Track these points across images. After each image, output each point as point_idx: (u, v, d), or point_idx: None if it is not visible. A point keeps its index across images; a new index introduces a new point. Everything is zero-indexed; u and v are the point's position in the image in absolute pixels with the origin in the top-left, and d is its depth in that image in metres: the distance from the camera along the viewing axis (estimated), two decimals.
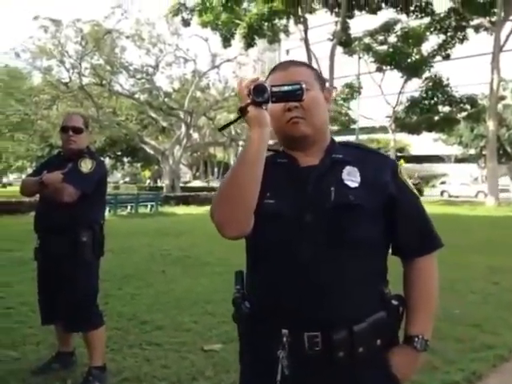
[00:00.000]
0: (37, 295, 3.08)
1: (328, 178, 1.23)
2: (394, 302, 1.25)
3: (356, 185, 1.22)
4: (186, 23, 23.78)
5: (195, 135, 32.02)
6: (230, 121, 1.38)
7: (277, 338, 1.18)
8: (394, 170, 1.30)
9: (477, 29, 23.71)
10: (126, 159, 45.38)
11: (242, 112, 1.15)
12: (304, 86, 1.15)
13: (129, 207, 17.81)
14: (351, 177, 1.23)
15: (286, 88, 1.16)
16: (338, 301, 1.17)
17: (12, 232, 10.11)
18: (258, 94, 1.13)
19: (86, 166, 2.85)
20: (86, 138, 3.01)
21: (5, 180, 47.81)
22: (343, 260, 1.18)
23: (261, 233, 1.22)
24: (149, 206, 18.78)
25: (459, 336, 3.79)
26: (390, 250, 1.34)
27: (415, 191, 1.33)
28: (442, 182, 35.28)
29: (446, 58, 26.03)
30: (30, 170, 40.02)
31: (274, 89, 1.15)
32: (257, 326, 1.24)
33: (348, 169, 1.25)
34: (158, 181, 45.05)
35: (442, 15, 23.66)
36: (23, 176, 47.85)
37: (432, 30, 24.48)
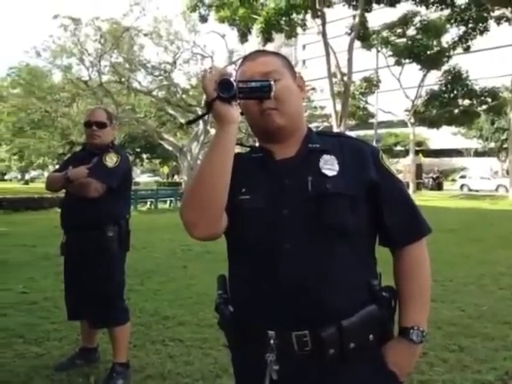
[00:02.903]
0: (63, 291, 3.07)
1: (304, 169, 1.19)
2: (385, 294, 1.19)
3: (334, 173, 1.18)
4: (204, 19, 23.70)
5: (212, 131, 32.02)
6: (197, 115, 1.32)
7: (264, 341, 1.12)
8: (375, 156, 1.25)
9: (498, 20, 23.12)
10: (145, 155, 45.71)
11: (209, 108, 1.10)
12: (273, 83, 1.10)
13: (148, 203, 17.97)
14: (329, 165, 1.19)
15: (253, 84, 1.11)
16: (325, 295, 1.12)
17: (36, 228, 10.28)
18: (224, 89, 1.07)
19: (111, 160, 2.83)
20: (110, 133, 2.99)
21: (27, 177, 48.65)
22: (326, 252, 1.14)
23: (239, 230, 1.18)
24: (168, 202, 18.92)
25: (490, 333, 3.68)
26: (378, 241, 1.27)
27: (398, 177, 1.28)
28: (462, 176, 34.77)
29: (466, 49, 25.50)
30: (51, 167, 40.67)
31: (241, 85, 1.10)
32: (242, 330, 1.19)
33: (325, 157, 1.20)
34: (176, 176, 45.34)
35: (462, 6, 23.14)
36: (45, 173, 48.73)
37: (452, 21, 23.96)
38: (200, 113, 28.02)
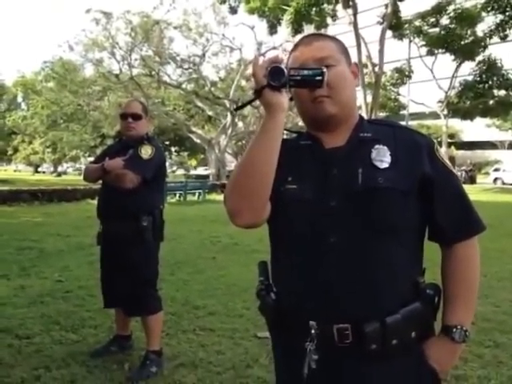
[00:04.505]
0: (98, 279, 3.15)
1: (355, 159, 1.14)
2: (429, 292, 1.15)
3: (386, 165, 1.12)
4: (233, 11, 23.65)
5: (240, 124, 32.07)
6: (246, 101, 1.30)
7: (304, 330, 1.11)
8: (430, 147, 1.18)
9: None
10: (173, 148, 46.20)
11: (258, 95, 1.07)
12: (325, 70, 1.06)
13: (177, 195, 18.19)
14: (381, 157, 1.13)
15: (305, 72, 1.06)
16: (369, 291, 1.09)
17: (69, 218, 10.55)
18: (274, 77, 1.04)
19: (146, 152, 2.87)
20: (146, 125, 3.03)
21: (59, 169, 49.91)
22: (373, 247, 1.10)
23: (283, 220, 1.15)
24: (196, 194, 19.12)
25: None
26: (427, 235, 1.22)
27: (454, 170, 1.21)
28: (496, 169, 33.82)
29: (504, 38, 24.61)
30: (83, 160, 41.63)
31: (293, 72, 1.06)
32: (284, 318, 1.18)
33: (377, 148, 1.15)
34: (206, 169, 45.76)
35: None
36: (77, 165, 49.83)
37: (489, 9, 23.16)
38: (228, 104, 28.13)
